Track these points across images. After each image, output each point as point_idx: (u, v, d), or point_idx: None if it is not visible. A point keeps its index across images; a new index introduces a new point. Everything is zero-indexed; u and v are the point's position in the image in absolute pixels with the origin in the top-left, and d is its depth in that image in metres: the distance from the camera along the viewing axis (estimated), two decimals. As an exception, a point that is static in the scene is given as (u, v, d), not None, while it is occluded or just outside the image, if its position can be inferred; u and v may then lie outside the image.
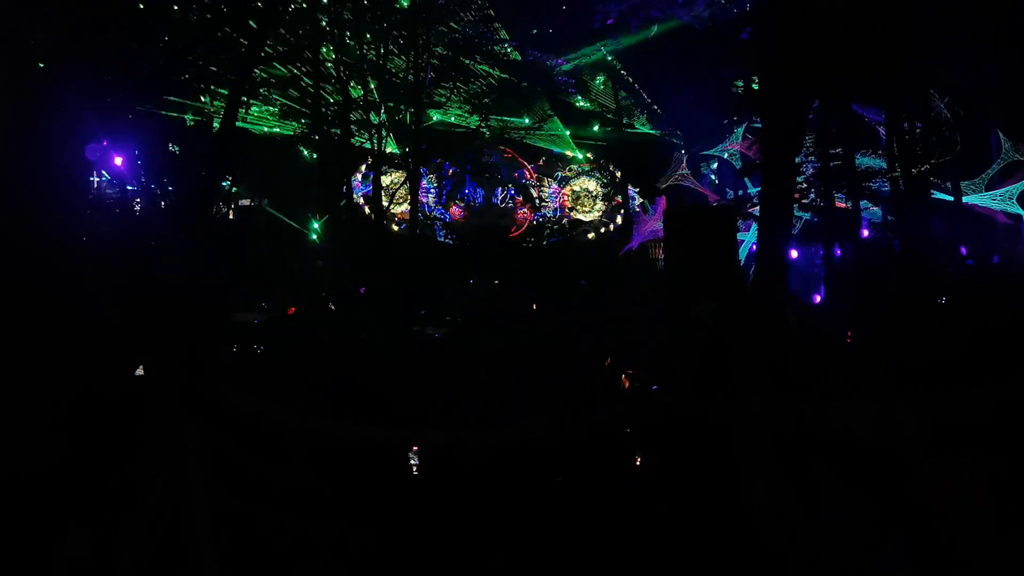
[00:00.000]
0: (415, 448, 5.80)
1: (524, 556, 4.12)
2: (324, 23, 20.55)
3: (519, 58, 25.06)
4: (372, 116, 22.70)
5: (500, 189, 29.67)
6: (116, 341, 7.12)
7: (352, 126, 22.31)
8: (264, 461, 5.12)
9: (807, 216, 21.62)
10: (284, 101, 22.76)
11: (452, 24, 23.01)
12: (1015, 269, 21.14)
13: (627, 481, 5.57)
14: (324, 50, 21.35)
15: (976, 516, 3.68)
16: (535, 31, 26.43)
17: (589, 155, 30.04)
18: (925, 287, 15.73)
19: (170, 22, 16.74)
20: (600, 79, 29.13)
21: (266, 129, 23.55)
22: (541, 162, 29.79)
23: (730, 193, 27.04)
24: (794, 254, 20.21)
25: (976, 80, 20.25)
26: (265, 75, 21.29)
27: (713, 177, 28.79)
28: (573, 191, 30.12)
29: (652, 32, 26.85)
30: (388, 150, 24.65)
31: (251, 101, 21.62)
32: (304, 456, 5.46)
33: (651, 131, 28.97)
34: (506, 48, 24.69)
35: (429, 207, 29.10)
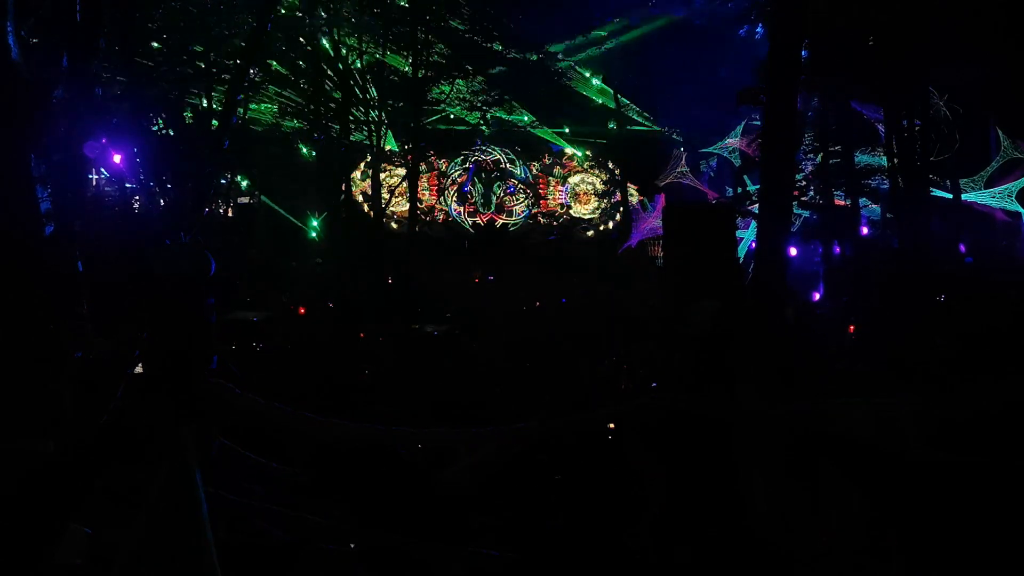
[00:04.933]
0: (415, 446, 5.80)
1: (523, 556, 4.11)
2: (323, 20, 20.53)
3: (519, 56, 25.02)
4: (371, 113, 22.68)
5: (499, 186, 29.67)
6: (115, 340, 7.12)
7: (351, 123, 22.29)
8: (264, 459, 5.11)
9: (806, 214, 21.64)
10: (283, 101, 22.74)
11: (452, 23, 22.99)
12: (1015, 266, 21.16)
13: (625, 480, 5.58)
14: (324, 47, 21.33)
15: (975, 516, 3.68)
16: (533, 29, 26.41)
17: (588, 152, 30.03)
18: (924, 285, 15.73)
19: (169, 16, 16.73)
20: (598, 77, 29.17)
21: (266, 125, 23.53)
22: (544, 159, 29.78)
23: (729, 191, 27.05)
24: (793, 252, 20.21)
25: (976, 76, 20.28)
26: (264, 73, 21.28)
27: (712, 175, 28.80)
28: (572, 188, 30.11)
29: (650, 26, 26.90)
30: (387, 148, 24.64)
31: (250, 96, 21.59)
32: (304, 454, 5.46)
33: (651, 128, 29.00)
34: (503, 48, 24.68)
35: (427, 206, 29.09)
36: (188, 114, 19.57)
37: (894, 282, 16.02)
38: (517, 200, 29.75)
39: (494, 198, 29.52)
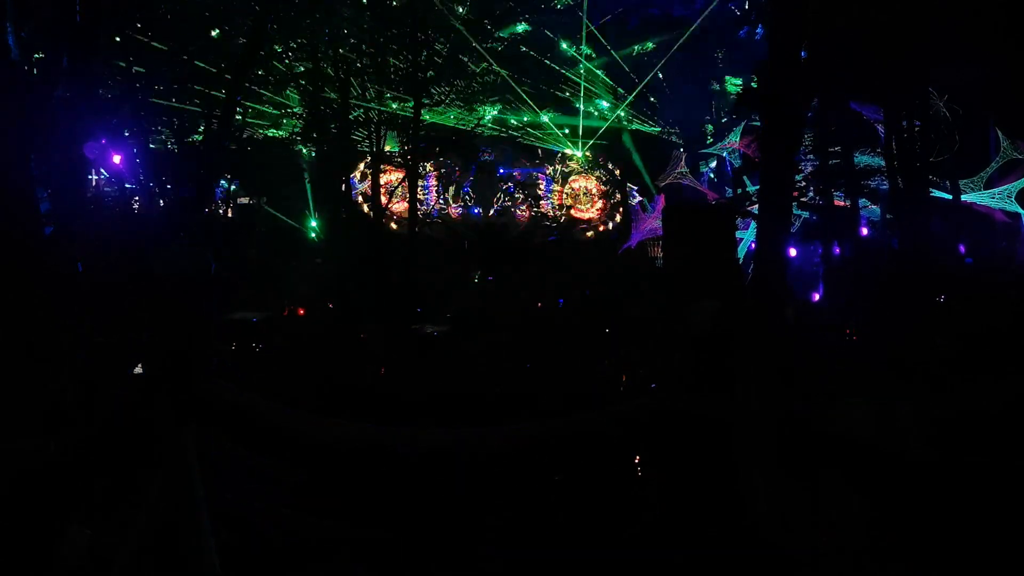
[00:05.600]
0: (416, 446, 5.79)
1: (523, 556, 4.11)
2: (321, 19, 20.51)
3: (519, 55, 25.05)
4: (371, 114, 22.67)
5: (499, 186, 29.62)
6: (115, 340, 7.11)
7: (351, 124, 22.28)
8: (265, 459, 5.12)
9: (806, 214, 21.65)
10: (283, 101, 22.74)
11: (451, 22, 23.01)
12: (1014, 267, 21.16)
13: (625, 480, 5.58)
14: (322, 48, 21.32)
15: (975, 516, 3.68)
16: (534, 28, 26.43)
17: (588, 153, 30.00)
18: (924, 285, 15.74)
19: (168, 18, 16.74)
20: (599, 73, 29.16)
21: (267, 134, 23.54)
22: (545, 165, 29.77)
23: (729, 191, 27.05)
24: (793, 252, 20.21)
25: (976, 76, 20.28)
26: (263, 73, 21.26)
27: (712, 175, 28.81)
28: (572, 189, 30.08)
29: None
30: (387, 148, 24.64)
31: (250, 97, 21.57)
32: (304, 453, 5.46)
33: (650, 129, 29.01)
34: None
35: (429, 205, 29.04)
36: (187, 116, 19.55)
37: (894, 282, 16.02)
38: (516, 202, 29.71)
39: (495, 200, 29.48)
